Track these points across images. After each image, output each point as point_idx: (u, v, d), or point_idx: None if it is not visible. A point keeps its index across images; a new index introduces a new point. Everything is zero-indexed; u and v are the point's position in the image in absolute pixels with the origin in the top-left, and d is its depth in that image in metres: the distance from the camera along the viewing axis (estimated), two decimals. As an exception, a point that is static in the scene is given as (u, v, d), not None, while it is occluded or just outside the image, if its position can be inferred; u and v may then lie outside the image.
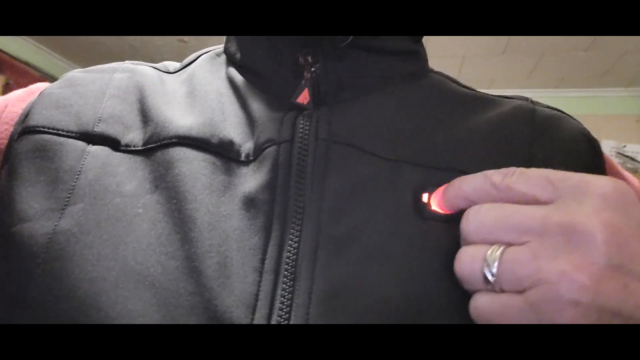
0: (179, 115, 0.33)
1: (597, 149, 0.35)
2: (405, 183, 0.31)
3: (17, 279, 0.28)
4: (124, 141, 0.32)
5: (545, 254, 0.23)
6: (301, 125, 0.32)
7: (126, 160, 0.31)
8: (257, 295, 0.27)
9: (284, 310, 0.27)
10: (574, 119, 0.37)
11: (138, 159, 0.31)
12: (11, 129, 0.33)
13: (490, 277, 0.24)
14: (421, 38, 0.39)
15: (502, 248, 0.24)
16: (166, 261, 0.27)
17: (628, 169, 2.68)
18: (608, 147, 2.78)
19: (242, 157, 0.31)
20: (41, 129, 0.32)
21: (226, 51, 0.39)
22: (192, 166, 0.30)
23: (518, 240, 0.24)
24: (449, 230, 0.29)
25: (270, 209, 0.29)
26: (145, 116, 0.33)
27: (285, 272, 0.28)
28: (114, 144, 0.32)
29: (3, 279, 0.29)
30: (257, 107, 0.34)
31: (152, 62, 0.41)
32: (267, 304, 0.27)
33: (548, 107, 0.37)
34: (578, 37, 2.36)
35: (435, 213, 0.30)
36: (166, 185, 0.30)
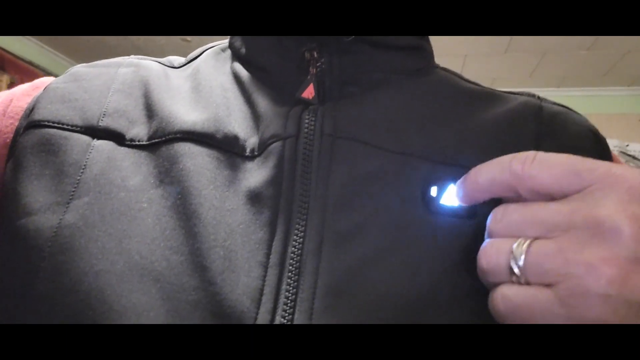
0: (184, 111, 0.33)
1: (604, 145, 0.35)
2: (412, 177, 0.30)
3: (23, 273, 0.28)
4: (128, 136, 0.32)
5: (572, 248, 0.22)
6: (306, 121, 0.32)
7: (131, 155, 0.31)
8: (262, 289, 0.27)
9: (289, 305, 0.27)
10: (581, 116, 0.36)
11: (143, 153, 0.32)
12: (16, 123, 0.34)
13: (516, 270, 0.24)
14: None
15: (528, 241, 0.24)
16: (171, 256, 0.27)
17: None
18: (611, 146, 2.77)
19: (247, 152, 0.31)
20: (46, 123, 0.32)
21: (231, 46, 0.39)
22: (197, 161, 0.30)
23: (545, 235, 0.24)
24: (457, 225, 0.29)
25: (275, 204, 0.29)
26: (150, 111, 0.33)
27: (290, 267, 0.28)
28: (118, 138, 0.32)
29: (9, 273, 0.29)
30: (262, 102, 0.34)
31: (155, 61, 0.40)
32: (271, 299, 0.27)
33: (555, 103, 0.37)
34: (580, 36, 2.36)
35: (443, 207, 0.29)
36: (171, 180, 0.30)
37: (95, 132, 0.32)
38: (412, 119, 0.33)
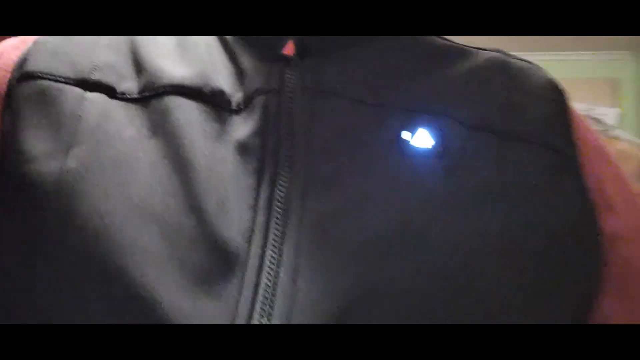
0: (171, 66, 0.34)
1: (565, 97, 0.37)
2: (388, 125, 0.33)
3: (29, 216, 0.29)
4: (119, 89, 0.33)
5: None
6: (288, 75, 0.34)
7: (123, 108, 0.33)
8: (252, 229, 0.29)
9: (277, 241, 0.29)
10: (543, 70, 0.39)
11: (134, 106, 0.33)
12: (9, 75, 0.34)
13: None
14: None
15: None
16: (168, 199, 0.29)
17: (597, 131, 2.75)
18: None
19: (234, 106, 0.33)
20: (39, 74, 0.33)
21: None
22: (187, 114, 0.32)
23: None
24: (429, 164, 0.32)
25: (262, 154, 0.31)
26: (138, 66, 0.35)
27: (277, 209, 0.30)
28: (110, 91, 0.33)
29: (18, 216, 0.30)
30: (245, 59, 0.35)
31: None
32: (262, 236, 0.29)
33: (519, 59, 0.40)
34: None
35: (415, 149, 0.32)
36: (163, 131, 0.31)
37: (87, 84, 0.33)
38: (387, 73, 0.36)
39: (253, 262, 0.28)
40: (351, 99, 0.34)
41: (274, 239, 0.29)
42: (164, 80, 0.33)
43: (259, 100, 0.33)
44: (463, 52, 0.39)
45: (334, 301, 0.27)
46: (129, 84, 0.34)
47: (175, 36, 0.37)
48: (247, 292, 0.27)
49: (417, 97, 0.34)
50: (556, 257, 0.31)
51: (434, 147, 0.32)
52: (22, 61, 0.34)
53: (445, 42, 0.41)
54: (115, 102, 0.33)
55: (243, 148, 0.31)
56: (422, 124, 0.32)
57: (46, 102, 0.32)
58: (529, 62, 0.39)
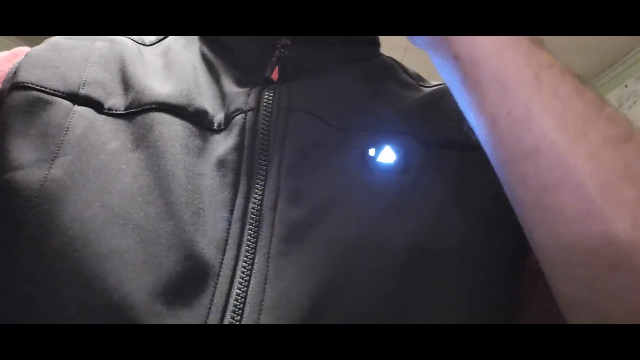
0: (158, 84, 0.36)
1: None
2: (352, 145, 0.35)
3: (11, 221, 0.30)
4: (107, 105, 0.35)
5: None
6: (266, 96, 0.36)
7: (109, 122, 0.34)
8: (226, 240, 0.31)
9: (250, 252, 0.31)
10: None
11: (120, 121, 0.34)
12: (0, 86, 0.35)
13: None
14: None
15: None
16: (147, 207, 0.30)
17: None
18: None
19: (215, 126, 0.35)
20: (30, 85, 0.34)
21: None
22: (171, 129, 0.33)
23: None
24: (394, 179, 0.34)
25: (238, 168, 0.33)
26: (126, 84, 0.36)
27: (251, 220, 0.32)
28: (97, 106, 0.35)
29: (1, 219, 0.30)
30: (228, 81, 0.38)
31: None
32: (235, 247, 0.31)
33: None
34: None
35: (380, 164, 0.34)
36: (147, 145, 0.33)
37: (76, 98, 0.35)
38: (355, 98, 0.38)
39: (225, 272, 0.30)
40: (321, 119, 0.36)
41: (246, 250, 0.31)
42: (150, 98, 0.34)
43: (238, 119, 0.35)
44: (420, 86, 0.43)
45: (302, 304, 0.29)
46: (116, 100, 0.35)
47: (162, 56, 0.39)
48: (218, 301, 0.29)
49: (380, 120, 0.37)
50: (507, 255, 0.34)
51: (396, 161, 0.34)
52: (14, 72, 0.35)
53: (409, 78, 0.44)
54: (102, 117, 0.34)
55: (221, 163, 0.33)
56: (384, 142, 0.35)
57: (35, 113, 0.33)
58: None
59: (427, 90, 0.42)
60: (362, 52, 0.42)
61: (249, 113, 0.35)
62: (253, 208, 0.32)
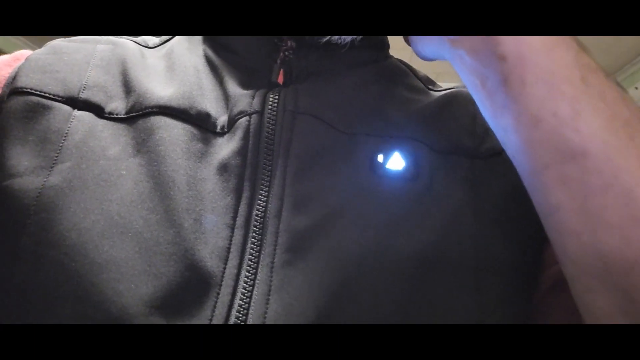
0: (160, 87, 0.35)
1: None
2: (360, 150, 0.34)
3: (8, 229, 0.29)
4: (107, 109, 0.34)
5: None
6: (271, 99, 0.35)
7: (110, 127, 0.33)
8: (229, 248, 0.30)
9: (253, 261, 0.30)
10: None
11: (121, 126, 0.33)
12: (0, 91, 0.34)
13: None
14: None
15: None
16: (147, 215, 0.30)
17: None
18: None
19: (218, 129, 0.34)
20: (29, 90, 0.33)
21: None
22: (172, 133, 0.32)
23: None
24: (402, 186, 0.33)
25: (241, 173, 0.32)
26: (127, 87, 0.35)
27: (254, 228, 0.31)
28: (98, 110, 0.34)
29: None
30: (231, 84, 0.36)
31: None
32: (237, 256, 0.30)
33: None
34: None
35: (389, 171, 0.33)
36: (147, 149, 0.32)
37: (76, 103, 0.34)
38: (363, 102, 0.37)
39: (227, 282, 0.29)
40: (327, 123, 0.35)
41: (249, 259, 0.30)
42: (151, 101, 0.34)
43: (242, 122, 0.34)
44: (429, 90, 0.42)
45: (307, 317, 0.28)
46: (117, 104, 0.34)
47: (165, 59, 0.38)
48: (219, 312, 0.28)
49: (389, 125, 0.36)
50: (521, 266, 0.32)
51: (405, 168, 0.33)
52: (13, 77, 0.35)
53: (419, 82, 0.42)
54: (102, 121, 0.33)
55: (224, 167, 0.32)
56: (393, 148, 0.33)
57: (34, 118, 0.32)
58: None
59: (436, 94, 0.41)
60: (371, 55, 0.41)
61: (254, 116, 0.34)
62: (256, 215, 0.31)
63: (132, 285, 0.28)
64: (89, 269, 0.28)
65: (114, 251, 0.28)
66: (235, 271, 0.29)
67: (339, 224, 0.31)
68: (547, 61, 0.27)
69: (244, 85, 0.36)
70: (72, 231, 0.28)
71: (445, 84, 0.43)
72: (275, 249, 0.30)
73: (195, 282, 0.28)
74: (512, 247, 0.32)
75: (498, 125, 0.29)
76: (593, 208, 0.25)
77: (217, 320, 0.28)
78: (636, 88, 2.73)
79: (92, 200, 0.30)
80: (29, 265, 0.28)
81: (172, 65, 0.38)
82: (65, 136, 0.32)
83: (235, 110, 0.34)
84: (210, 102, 0.35)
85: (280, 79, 0.37)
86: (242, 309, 0.28)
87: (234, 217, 0.31)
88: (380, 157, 0.33)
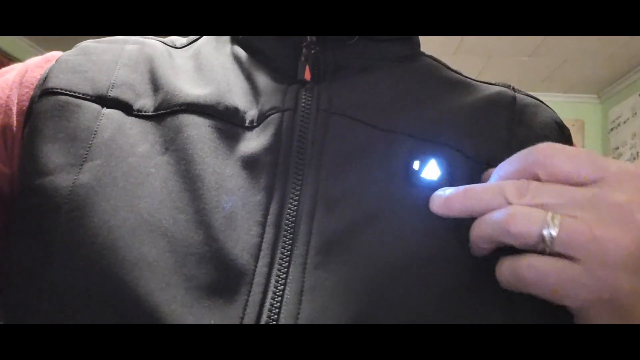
0: (187, 86, 0.35)
1: (568, 137, 0.39)
2: (397, 152, 0.34)
3: (42, 228, 0.30)
4: (135, 106, 0.34)
5: (597, 226, 0.25)
6: (304, 97, 0.35)
7: (138, 124, 0.34)
8: (260, 245, 0.29)
9: (284, 260, 0.29)
10: (550, 108, 0.40)
11: (149, 123, 0.34)
12: (31, 92, 0.35)
13: (548, 239, 0.25)
14: None
15: (560, 215, 0.26)
16: (177, 215, 0.30)
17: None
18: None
19: (247, 123, 0.34)
20: (59, 90, 0.34)
21: None
22: (200, 131, 0.33)
23: (569, 212, 0.26)
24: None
25: (272, 170, 0.32)
26: (155, 85, 0.36)
27: (286, 227, 0.30)
28: (126, 108, 0.34)
29: (30, 229, 0.30)
30: (261, 79, 0.36)
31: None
32: (269, 254, 0.29)
33: (528, 95, 0.41)
34: (523, 43, 2.49)
35: (424, 180, 0.32)
36: (176, 147, 0.32)
37: (105, 101, 0.34)
38: (399, 100, 0.37)
39: (259, 280, 0.28)
40: (363, 122, 0.34)
41: (280, 258, 0.29)
42: (179, 99, 0.34)
43: (274, 118, 0.33)
44: (471, 86, 0.40)
45: (340, 321, 0.27)
46: (145, 101, 0.34)
47: (192, 59, 0.39)
48: (251, 310, 0.28)
49: (427, 125, 0.35)
50: None
51: (441, 178, 0.32)
52: (44, 78, 0.35)
53: (455, 74, 0.42)
54: (130, 119, 0.34)
55: (254, 164, 0.32)
56: (430, 155, 0.33)
57: (64, 117, 0.33)
58: (536, 99, 0.40)
59: (476, 85, 0.40)
60: (399, 49, 0.40)
61: (286, 113, 0.34)
62: (288, 214, 0.31)
63: (163, 285, 0.27)
64: (120, 267, 0.27)
65: (144, 249, 0.28)
66: (266, 269, 0.29)
67: (372, 230, 0.30)
68: None
69: (274, 81, 0.36)
70: (102, 229, 0.29)
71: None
72: (307, 250, 0.29)
73: (226, 281, 0.28)
74: None
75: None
76: None
77: (249, 319, 0.27)
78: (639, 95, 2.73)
79: (121, 198, 0.30)
80: (62, 264, 0.28)
81: (199, 65, 0.38)
82: (94, 134, 0.32)
83: (267, 105, 0.34)
84: (238, 97, 0.35)
85: (308, 75, 0.37)
86: (274, 308, 0.28)
87: (265, 215, 0.30)
88: (416, 164, 0.32)
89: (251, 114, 0.34)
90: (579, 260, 0.25)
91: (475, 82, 0.41)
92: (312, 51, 0.37)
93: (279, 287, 0.28)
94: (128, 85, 0.35)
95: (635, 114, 2.75)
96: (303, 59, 0.37)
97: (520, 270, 0.26)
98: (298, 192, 0.31)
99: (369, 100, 0.36)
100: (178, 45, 0.42)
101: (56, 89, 0.34)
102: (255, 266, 0.29)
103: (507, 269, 0.27)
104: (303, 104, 0.34)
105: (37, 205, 0.31)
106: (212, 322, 0.27)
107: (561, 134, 0.38)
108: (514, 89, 0.41)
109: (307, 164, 0.32)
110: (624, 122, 2.84)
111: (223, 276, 0.28)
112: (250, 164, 0.32)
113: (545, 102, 0.42)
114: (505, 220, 0.27)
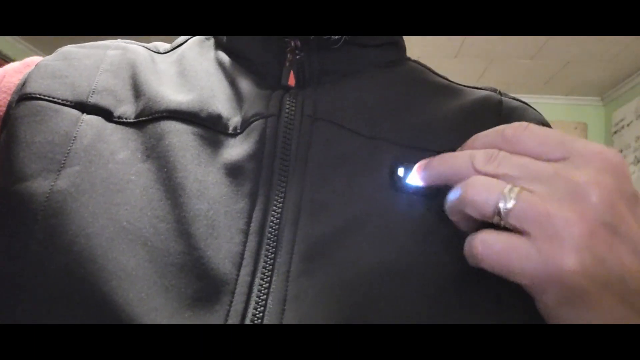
0: (170, 92, 0.35)
1: None
2: (382, 159, 0.33)
3: (17, 235, 0.29)
4: (116, 113, 0.34)
5: (553, 203, 0.25)
6: (288, 102, 0.34)
7: (119, 131, 0.33)
8: (242, 254, 0.29)
9: (267, 268, 0.29)
10: (537, 111, 0.40)
11: (130, 130, 0.33)
12: (9, 98, 0.35)
13: (503, 211, 0.25)
14: None
15: (518, 188, 0.26)
16: (157, 223, 0.29)
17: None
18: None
19: (230, 130, 0.33)
20: (37, 95, 0.33)
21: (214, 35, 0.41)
22: (182, 138, 0.32)
23: (528, 186, 0.26)
24: (421, 203, 0.32)
25: (256, 177, 0.31)
26: (137, 91, 0.35)
27: (269, 234, 0.30)
28: (107, 114, 0.34)
29: (5, 234, 0.30)
30: (245, 85, 0.36)
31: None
32: (252, 262, 0.29)
33: (514, 98, 0.40)
34: (525, 45, 2.48)
35: (409, 186, 0.32)
36: (157, 155, 0.31)
37: (85, 107, 0.34)
38: (384, 106, 0.36)
39: (241, 289, 0.28)
40: (348, 129, 0.34)
41: (263, 267, 0.29)
42: (161, 105, 0.33)
43: (257, 124, 0.33)
44: (457, 90, 0.40)
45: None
46: (127, 108, 0.34)
47: (176, 64, 0.38)
48: (233, 321, 0.27)
49: (413, 131, 0.35)
50: None
51: (426, 185, 0.32)
52: (23, 83, 0.34)
53: (441, 79, 0.41)
54: (111, 125, 0.33)
55: (237, 171, 0.31)
56: (414, 162, 0.32)
57: (42, 121, 0.32)
58: (523, 103, 0.40)
59: (467, 94, 0.39)
60: (384, 55, 0.40)
61: (270, 119, 0.33)
62: (272, 221, 0.30)
63: (142, 295, 0.27)
64: (98, 276, 0.27)
65: (123, 259, 0.28)
66: (249, 278, 0.28)
67: (357, 237, 0.30)
68: None
69: (258, 87, 0.36)
70: (80, 236, 0.28)
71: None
72: (291, 258, 0.29)
73: (207, 291, 0.28)
74: None
75: None
76: None
77: None
78: (642, 97, 2.72)
79: (100, 205, 0.29)
80: (37, 271, 0.28)
81: (183, 71, 0.37)
82: (73, 140, 0.32)
83: (250, 112, 0.34)
84: (221, 104, 0.34)
85: (292, 81, 0.36)
86: (255, 319, 0.27)
87: (248, 223, 0.30)
88: (400, 171, 0.32)
89: (235, 120, 0.34)
90: (529, 235, 0.25)
91: (461, 86, 0.41)
92: (297, 56, 0.36)
93: (261, 297, 0.28)
94: (109, 91, 0.35)
95: (639, 116, 2.73)
96: (288, 64, 0.37)
97: (474, 243, 0.27)
98: (282, 199, 0.31)
99: (354, 106, 0.36)
100: (162, 51, 0.41)
101: (34, 94, 0.33)
102: (238, 275, 0.28)
103: (466, 245, 0.27)
104: (287, 110, 0.34)
105: (12, 211, 0.30)
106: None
107: None
108: (500, 92, 0.40)
109: (291, 170, 0.32)
110: (627, 125, 2.83)
111: (204, 286, 0.28)
112: (233, 171, 0.31)
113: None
114: (465, 190, 0.27)
